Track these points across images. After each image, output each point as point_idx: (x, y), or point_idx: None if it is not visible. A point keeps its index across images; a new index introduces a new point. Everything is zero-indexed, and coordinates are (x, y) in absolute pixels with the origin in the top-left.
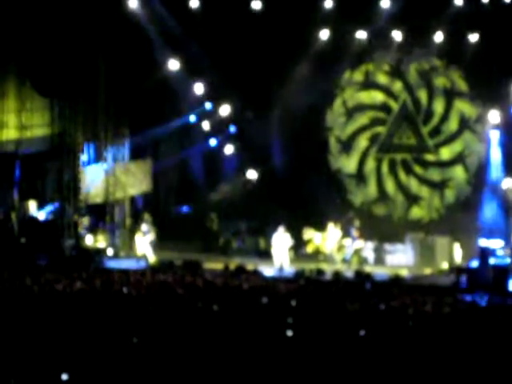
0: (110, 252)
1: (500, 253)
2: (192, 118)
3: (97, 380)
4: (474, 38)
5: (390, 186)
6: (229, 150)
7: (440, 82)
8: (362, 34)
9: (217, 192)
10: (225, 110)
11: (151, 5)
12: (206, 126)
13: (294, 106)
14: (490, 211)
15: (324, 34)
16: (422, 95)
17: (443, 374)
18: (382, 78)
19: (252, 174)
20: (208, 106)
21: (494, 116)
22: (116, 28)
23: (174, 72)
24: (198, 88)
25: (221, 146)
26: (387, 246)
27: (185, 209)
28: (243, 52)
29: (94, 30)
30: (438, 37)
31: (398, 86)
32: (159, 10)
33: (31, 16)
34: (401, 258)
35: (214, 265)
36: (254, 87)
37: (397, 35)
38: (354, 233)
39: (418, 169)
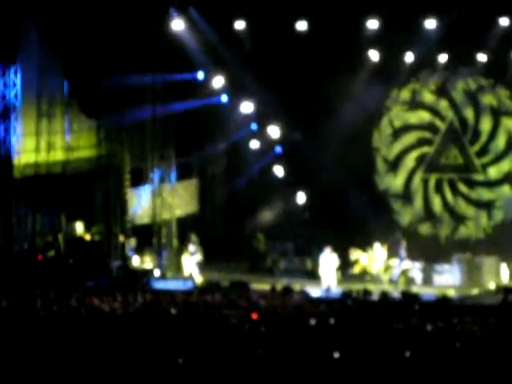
0: (156, 273)
1: None
2: (240, 139)
3: None
4: None
5: (436, 205)
6: (279, 171)
7: (487, 100)
8: (408, 55)
9: (264, 213)
10: (273, 130)
11: (197, 26)
12: (253, 146)
13: (341, 126)
14: None
15: (371, 55)
16: (469, 114)
17: None
18: (429, 98)
19: (299, 197)
20: (255, 127)
21: None
22: (163, 50)
23: (222, 92)
24: (246, 109)
25: (268, 166)
26: (434, 267)
27: (232, 230)
28: (290, 72)
29: (140, 50)
30: (484, 56)
31: (444, 105)
32: (205, 31)
33: (79, 37)
34: (448, 279)
35: (260, 285)
36: (302, 108)
37: (442, 55)
38: (402, 253)
39: (464, 188)
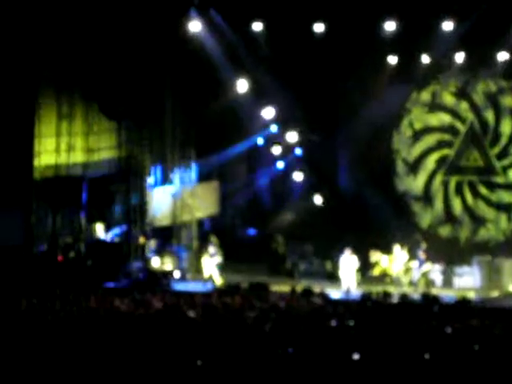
0: (176, 274)
1: None
2: (259, 141)
3: None
4: None
5: (456, 208)
6: (297, 175)
7: (507, 101)
8: (426, 57)
9: (284, 215)
10: (292, 133)
11: (216, 28)
12: (273, 149)
13: (360, 128)
14: None
15: (390, 58)
16: (489, 116)
17: None
18: (449, 100)
19: (318, 199)
20: (274, 128)
21: None
22: (182, 51)
23: (241, 94)
24: (266, 111)
25: (288, 169)
26: (454, 269)
27: (252, 232)
28: (308, 75)
29: (160, 53)
30: (504, 57)
31: (464, 107)
32: (225, 33)
33: (99, 40)
34: (468, 281)
35: (280, 287)
36: (321, 110)
37: (461, 57)
38: (422, 255)
39: (485, 191)
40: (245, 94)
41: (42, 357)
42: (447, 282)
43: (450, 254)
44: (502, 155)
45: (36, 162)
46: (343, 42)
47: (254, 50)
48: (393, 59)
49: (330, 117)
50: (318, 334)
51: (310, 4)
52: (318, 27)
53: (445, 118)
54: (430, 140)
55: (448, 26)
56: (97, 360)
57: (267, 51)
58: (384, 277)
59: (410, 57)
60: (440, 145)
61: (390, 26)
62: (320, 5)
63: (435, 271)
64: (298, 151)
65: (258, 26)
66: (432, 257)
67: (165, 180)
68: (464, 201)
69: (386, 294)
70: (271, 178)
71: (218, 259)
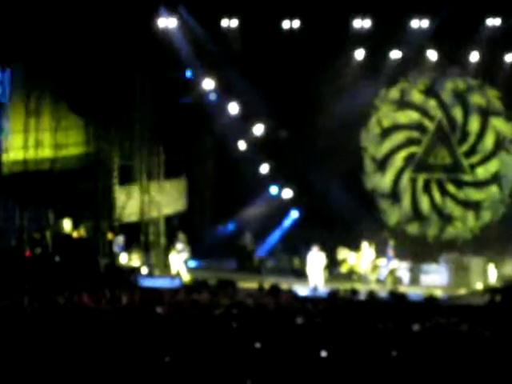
0: (144, 271)
1: None
2: (227, 138)
3: None
4: (510, 57)
5: (424, 205)
6: (264, 169)
7: (475, 100)
8: (396, 54)
9: (251, 211)
10: (260, 129)
11: (185, 24)
12: (240, 145)
13: (328, 125)
14: None
15: (359, 54)
16: (458, 114)
17: None
18: (417, 97)
19: (287, 193)
20: (242, 125)
21: None
22: (151, 47)
23: (209, 90)
24: (233, 107)
25: (255, 165)
26: (422, 266)
27: (223, 229)
28: (278, 71)
29: (129, 50)
30: (474, 56)
31: (433, 105)
32: (194, 30)
33: (68, 37)
34: (435, 278)
35: (248, 284)
36: (289, 107)
37: (431, 55)
38: (390, 252)
39: (452, 188)
40: (212, 91)
41: (8, 353)
42: (414, 280)
43: (418, 251)
44: (469, 153)
45: (4, 158)
46: (313, 39)
47: (223, 46)
48: (362, 55)
49: (298, 113)
50: (286, 331)
51: (281, 0)
52: (288, 24)
53: (413, 116)
54: (398, 137)
55: (418, 23)
56: (63, 356)
57: (236, 47)
58: (351, 274)
59: (379, 54)
60: (408, 142)
61: (360, 23)
62: (290, 1)
63: (403, 269)
64: (266, 148)
65: (227, 23)
66: (399, 254)
67: (132, 176)
68: (432, 199)
69: (354, 292)
70: (239, 174)
71: (186, 256)
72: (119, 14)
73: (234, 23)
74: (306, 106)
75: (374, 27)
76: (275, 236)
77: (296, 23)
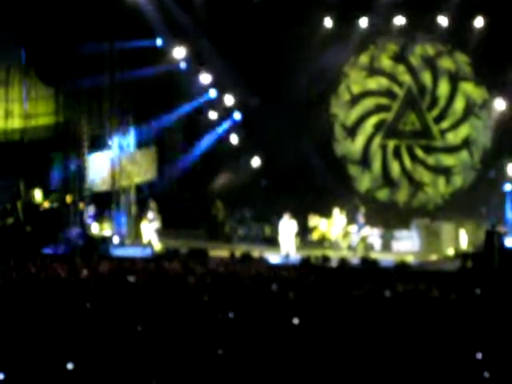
0: (115, 240)
1: (505, 237)
2: (197, 107)
3: (102, 368)
4: (479, 22)
5: (394, 171)
6: (234, 138)
7: (445, 65)
8: (365, 21)
9: (220, 179)
10: (230, 98)
11: None
12: (211, 114)
13: (299, 93)
14: (496, 196)
15: (328, 22)
16: (427, 79)
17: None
18: (387, 64)
19: (256, 162)
20: (213, 94)
21: (500, 103)
22: (120, 17)
23: (179, 60)
24: (204, 77)
25: (227, 133)
26: (393, 233)
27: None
28: (248, 40)
29: (98, 17)
30: (443, 21)
31: (402, 70)
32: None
33: (36, 5)
34: (407, 245)
35: (219, 252)
36: (259, 75)
37: (400, 20)
38: (361, 219)
39: (423, 154)
40: (183, 60)
41: None
42: (386, 246)
43: (389, 217)
44: (439, 118)
45: None
46: (281, 6)
47: (193, 15)
48: (331, 22)
49: (268, 82)
50: (258, 299)
51: None
52: None
53: (383, 82)
54: (367, 104)
55: None
56: (38, 326)
57: (205, 16)
58: (323, 241)
59: (348, 20)
60: (378, 109)
61: None
62: None
63: (374, 235)
64: (237, 115)
65: None
66: (371, 221)
67: (103, 146)
68: (402, 164)
69: (325, 258)
70: (209, 143)
71: (157, 225)
72: None
73: None
74: (276, 74)
75: None
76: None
77: None
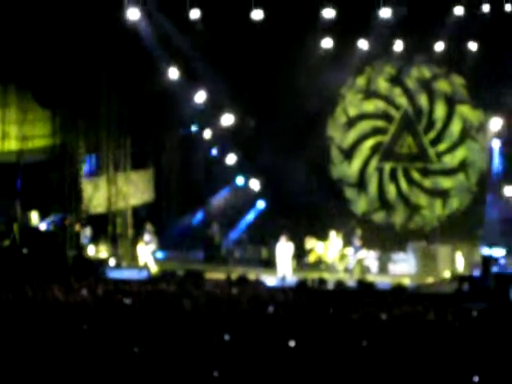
0: (112, 262)
1: (502, 261)
2: (194, 127)
3: None
4: (474, 46)
5: (391, 194)
6: (231, 159)
7: (441, 87)
8: (363, 43)
9: (217, 202)
10: (227, 118)
11: (152, 15)
12: (207, 134)
13: (296, 114)
14: (491, 220)
15: (326, 43)
16: (424, 102)
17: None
18: (383, 86)
19: (254, 184)
20: (210, 115)
21: (496, 124)
22: (117, 38)
23: (176, 82)
24: (200, 97)
25: (222, 154)
26: (390, 255)
27: (189, 220)
28: (245, 61)
29: (94, 40)
30: (439, 45)
31: (398, 93)
32: (160, 21)
33: (33, 27)
34: (403, 267)
35: (216, 275)
36: (256, 96)
37: (397, 44)
38: (357, 242)
39: (419, 177)
40: (180, 82)
41: None
42: (382, 269)
43: (386, 240)
44: (436, 141)
45: None
46: (281, 29)
47: (190, 37)
48: (329, 45)
49: (265, 102)
50: (255, 321)
51: None
52: (257, 14)
53: (379, 105)
54: (364, 126)
55: (385, 12)
56: (35, 348)
57: (203, 37)
58: (319, 263)
59: (346, 43)
60: (374, 131)
61: (328, 12)
62: None
63: (370, 258)
64: (234, 138)
65: (195, 14)
66: (367, 243)
67: (100, 167)
68: (398, 187)
69: (322, 281)
70: (206, 164)
71: (154, 247)
72: (85, 3)
73: (199, 13)
74: (273, 96)
75: (341, 17)
76: (241, 226)
77: (263, 13)
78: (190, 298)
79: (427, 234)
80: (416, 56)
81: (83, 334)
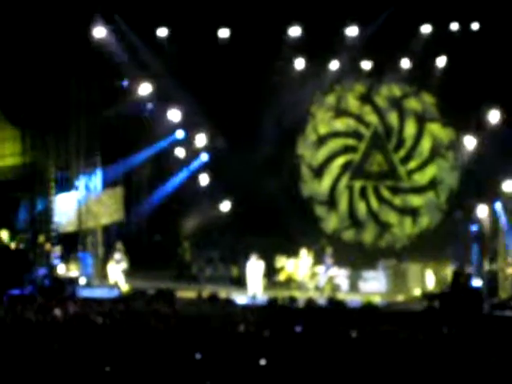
0: (82, 281)
1: (472, 278)
2: (165, 147)
3: None
4: (442, 62)
5: (361, 212)
6: (204, 179)
7: (411, 105)
8: (332, 62)
9: (190, 221)
10: (198, 138)
11: (121, 33)
12: (180, 153)
13: (266, 133)
14: (462, 237)
15: (295, 62)
16: (394, 120)
17: None
18: (353, 104)
19: (225, 206)
20: (181, 134)
21: (469, 142)
22: (86, 56)
23: (147, 100)
24: (172, 116)
25: (194, 174)
26: (360, 273)
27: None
28: (215, 80)
29: (65, 59)
30: (406, 62)
31: (369, 112)
32: (130, 38)
33: (2, 45)
34: (374, 285)
35: (187, 293)
36: (227, 116)
37: (366, 62)
38: (329, 260)
39: (389, 195)
40: (150, 99)
41: None
42: (353, 287)
43: (356, 258)
44: (406, 159)
45: None
46: (249, 47)
47: (160, 56)
48: (299, 64)
49: (235, 122)
50: (226, 340)
51: (215, 9)
52: (224, 32)
53: (349, 123)
54: (334, 145)
55: (354, 31)
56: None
57: (173, 56)
58: (290, 282)
59: (315, 62)
60: (345, 149)
61: (295, 31)
62: (226, 10)
63: (341, 276)
64: (205, 156)
65: (163, 32)
66: (338, 261)
67: (70, 186)
68: (369, 205)
69: (292, 299)
70: (177, 184)
71: (124, 265)
72: (54, 22)
73: (168, 32)
74: (244, 115)
75: (310, 35)
76: (212, 245)
77: (230, 32)
78: (161, 316)
79: (397, 252)
80: (386, 74)
81: (54, 353)
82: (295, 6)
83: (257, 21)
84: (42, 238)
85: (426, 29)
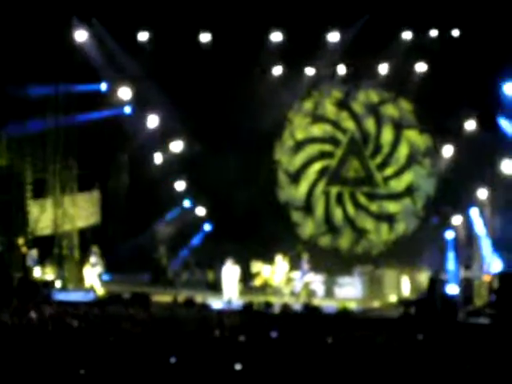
0: (58, 284)
1: (447, 285)
2: (142, 152)
3: None
4: (420, 68)
5: (337, 218)
6: (180, 185)
7: (389, 111)
8: (309, 68)
9: (164, 225)
10: (176, 143)
11: (100, 36)
12: (156, 158)
13: (244, 138)
14: (438, 244)
15: (274, 67)
16: (371, 126)
17: None
18: (330, 110)
19: (201, 211)
20: (158, 138)
21: (446, 149)
22: (65, 58)
23: (125, 104)
24: (150, 121)
25: (171, 179)
26: (336, 279)
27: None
28: (194, 84)
29: (43, 62)
30: (384, 68)
31: (345, 117)
32: (108, 42)
33: None
34: (349, 291)
35: (162, 297)
36: (204, 121)
37: (343, 68)
38: (305, 265)
39: (365, 201)
40: (129, 104)
41: None
42: (329, 293)
43: (332, 264)
44: (383, 165)
45: None
46: (229, 53)
47: (139, 60)
48: (277, 69)
49: (213, 127)
50: (201, 344)
51: (196, 14)
52: (205, 37)
53: (326, 129)
54: (311, 150)
55: (333, 37)
56: None
57: (152, 61)
58: (266, 287)
59: (293, 67)
60: (321, 155)
61: (275, 36)
62: (206, 15)
63: (317, 282)
64: (182, 162)
65: (143, 36)
66: (314, 267)
67: (46, 189)
68: (345, 211)
69: (268, 305)
70: (154, 188)
71: (100, 269)
72: (31, 25)
73: (148, 36)
74: (222, 120)
75: (288, 41)
76: (188, 249)
77: (211, 37)
78: (137, 320)
79: (373, 258)
80: (363, 80)
81: (30, 355)
82: (277, 11)
83: (238, 26)
84: (21, 241)
85: (405, 35)
